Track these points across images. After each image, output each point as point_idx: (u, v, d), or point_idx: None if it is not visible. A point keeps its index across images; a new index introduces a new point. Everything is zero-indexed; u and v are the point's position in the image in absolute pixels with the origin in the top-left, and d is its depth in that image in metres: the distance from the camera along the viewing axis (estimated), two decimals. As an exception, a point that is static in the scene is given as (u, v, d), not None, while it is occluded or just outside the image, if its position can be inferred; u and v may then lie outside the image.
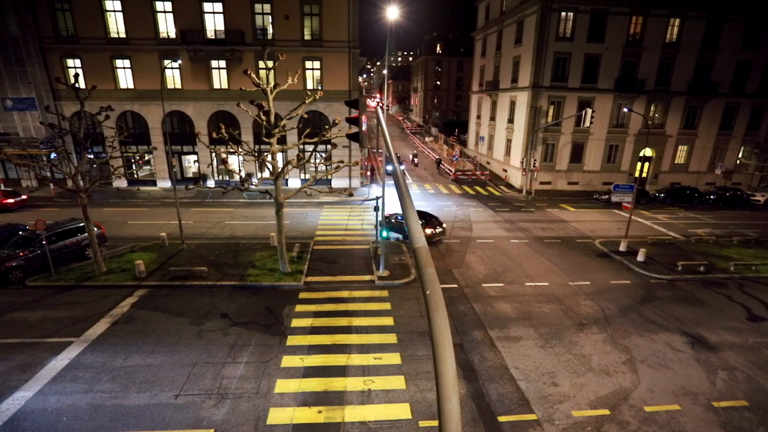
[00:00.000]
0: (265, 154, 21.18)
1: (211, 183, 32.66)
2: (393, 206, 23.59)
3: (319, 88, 30.95)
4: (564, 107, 34.28)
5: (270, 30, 30.31)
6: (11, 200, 25.56)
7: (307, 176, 33.26)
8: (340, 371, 11.27)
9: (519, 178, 36.01)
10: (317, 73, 31.43)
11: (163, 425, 9.28)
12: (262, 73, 28.79)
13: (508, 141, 38.85)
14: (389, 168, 19.52)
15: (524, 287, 16.87)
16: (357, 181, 34.60)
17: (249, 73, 15.04)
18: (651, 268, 19.02)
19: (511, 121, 37.98)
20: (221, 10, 29.44)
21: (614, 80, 33.89)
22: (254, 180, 23.44)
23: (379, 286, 16.49)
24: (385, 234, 17.44)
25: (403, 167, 39.82)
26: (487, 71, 44.39)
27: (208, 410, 9.75)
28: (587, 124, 28.39)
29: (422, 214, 22.31)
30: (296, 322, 13.63)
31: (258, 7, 29.64)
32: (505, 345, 12.78)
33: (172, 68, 30.36)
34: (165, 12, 29.33)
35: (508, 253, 20.66)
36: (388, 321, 13.88)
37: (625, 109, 31.76)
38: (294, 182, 33.10)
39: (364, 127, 10.69)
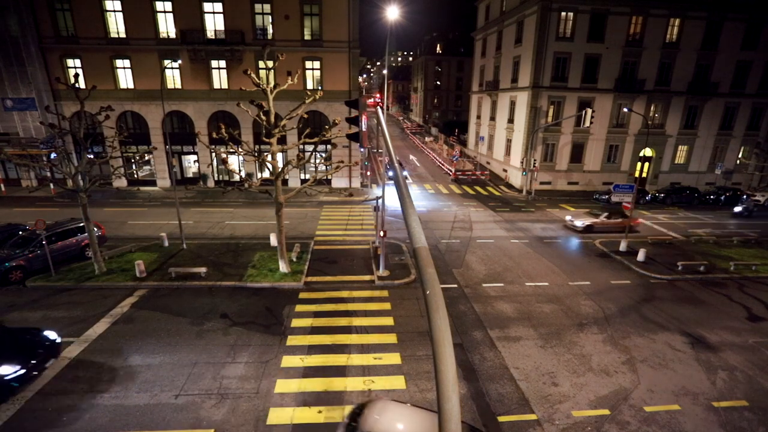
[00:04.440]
0: (265, 154, 21.20)
1: (211, 183, 32.67)
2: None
3: (319, 88, 30.98)
4: (564, 107, 34.28)
5: (270, 30, 30.31)
6: None
7: (307, 176, 33.26)
8: (340, 371, 11.27)
9: (519, 178, 36.02)
10: (317, 73, 31.43)
11: (163, 425, 9.27)
12: (262, 73, 28.81)
13: (508, 141, 38.86)
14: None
15: (524, 287, 16.87)
16: (357, 181, 34.60)
17: (249, 73, 15.04)
18: (651, 268, 19.02)
19: (511, 121, 37.99)
20: (221, 10, 29.45)
21: (614, 80, 33.90)
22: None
23: (379, 286, 16.49)
24: None
25: (406, 173, 39.79)
26: (487, 71, 44.40)
27: (208, 410, 9.75)
28: (587, 124, 28.39)
29: None
30: (296, 322, 13.63)
31: (258, 7, 29.64)
32: (505, 345, 12.78)
33: (172, 68, 30.36)
34: (165, 12, 29.33)
35: (508, 253, 20.66)
36: (388, 321, 13.88)
37: (625, 109, 31.78)
38: (294, 182, 33.10)
39: (364, 127, 10.69)
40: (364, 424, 7.87)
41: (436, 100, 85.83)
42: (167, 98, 30.20)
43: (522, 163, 35.15)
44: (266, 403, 10.02)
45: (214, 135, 16.65)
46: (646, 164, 37.15)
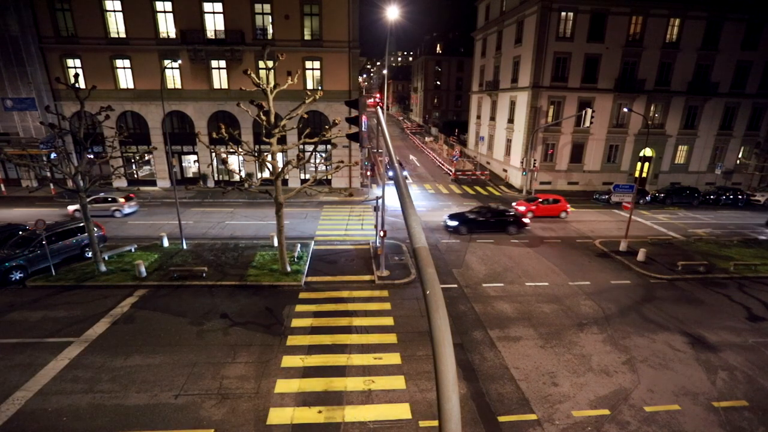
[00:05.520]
0: (265, 154, 21.21)
1: (211, 183, 32.67)
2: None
3: (319, 88, 30.98)
4: (564, 107, 34.27)
5: (270, 30, 30.30)
6: None
7: (307, 176, 33.26)
8: (340, 371, 11.27)
9: (519, 178, 36.02)
10: (317, 73, 31.43)
11: (163, 425, 9.27)
12: (262, 73, 28.81)
13: (508, 141, 38.85)
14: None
15: (524, 287, 16.87)
16: (357, 181, 34.57)
17: (249, 73, 15.05)
18: (651, 268, 19.02)
19: (511, 121, 37.98)
20: (221, 10, 29.44)
21: (614, 80, 33.89)
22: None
23: (379, 286, 16.49)
24: None
25: (406, 173, 39.81)
26: (487, 71, 44.39)
27: (208, 410, 9.75)
28: (587, 124, 28.42)
29: None
30: (296, 322, 13.63)
31: (258, 7, 29.64)
32: (505, 345, 12.78)
33: (172, 68, 30.36)
34: (165, 12, 29.32)
35: (508, 253, 20.66)
36: (388, 321, 13.88)
37: (625, 109, 31.78)
38: (294, 182, 33.09)
39: (364, 128, 10.69)
40: None
41: (436, 100, 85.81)
42: (167, 98, 30.20)
43: (522, 163, 35.16)
44: (266, 403, 10.02)
45: (214, 135, 16.65)
46: (646, 164, 37.15)
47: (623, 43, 33.13)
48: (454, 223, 22.91)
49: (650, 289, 17.08)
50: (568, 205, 26.85)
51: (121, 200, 24.71)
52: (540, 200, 26.89)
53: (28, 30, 28.41)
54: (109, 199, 24.75)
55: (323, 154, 31.98)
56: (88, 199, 23.99)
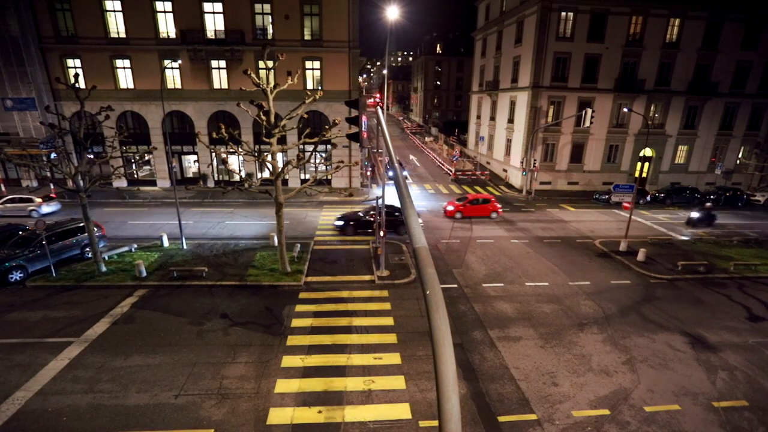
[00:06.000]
0: (265, 154, 21.21)
1: (211, 183, 32.67)
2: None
3: (319, 88, 30.97)
4: (564, 107, 34.27)
5: (270, 30, 30.30)
6: None
7: (307, 176, 33.26)
8: (340, 371, 11.27)
9: (519, 178, 36.02)
10: (317, 73, 31.42)
11: (163, 425, 9.28)
12: (262, 73, 28.80)
13: (508, 141, 38.85)
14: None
15: (524, 287, 16.87)
16: (357, 181, 34.57)
17: (249, 73, 15.05)
18: (651, 268, 19.02)
19: (511, 121, 37.99)
20: (221, 10, 29.43)
21: (614, 80, 33.89)
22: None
23: (379, 286, 16.49)
24: None
25: (406, 173, 39.80)
26: (487, 71, 44.40)
27: (208, 410, 9.75)
28: (587, 124, 28.40)
29: None
30: (296, 322, 13.63)
31: (258, 7, 29.63)
32: (505, 345, 12.78)
33: (172, 68, 30.35)
34: (165, 12, 29.31)
35: (508, 253, 20.66)
36: (388, 321, 13.89)
37: (625, 109, 31.78)
38: (294, 182, 33.09)
39: (364, 128, 10.69)
40: None
41: (436, 100, 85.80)
42: (167, 98, 30.19)
43: (522, 163, 35.16)
44: (266, 403, 10.02)
45: (214, 135, 16.65)
46: (646, 164, 37.15)
47: (623, 43, 33.13)
48: (341, 223, 22.68)
49: (650, 289, 17.08)
50: (499, 206, 26.77)
51: (38, 200, 24.60)
52: (469, 200, 26.84)
53: (28, 30, 28.40)
54: (25, 199, 24.57)
55: (323, 154, 31.98)
56: (2, 200, 24.09)
